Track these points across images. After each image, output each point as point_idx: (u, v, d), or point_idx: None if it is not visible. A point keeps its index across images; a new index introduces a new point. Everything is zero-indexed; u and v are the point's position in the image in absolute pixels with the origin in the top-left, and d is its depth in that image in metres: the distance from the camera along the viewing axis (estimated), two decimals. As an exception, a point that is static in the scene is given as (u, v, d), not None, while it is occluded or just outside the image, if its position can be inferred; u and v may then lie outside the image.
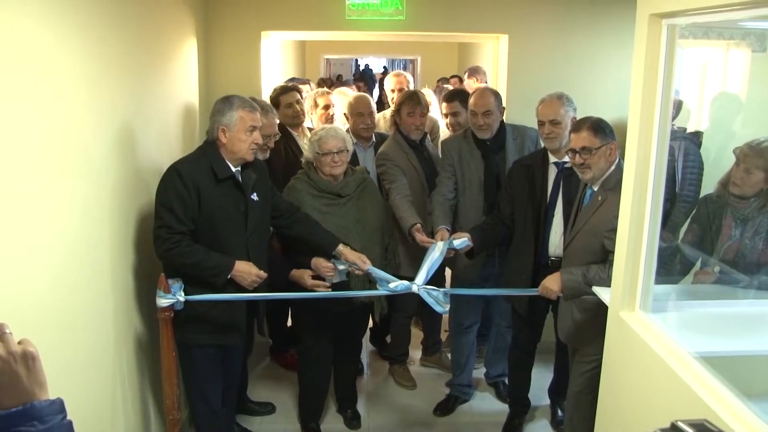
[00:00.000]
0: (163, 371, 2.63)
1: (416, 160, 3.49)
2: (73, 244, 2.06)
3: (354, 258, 2.84)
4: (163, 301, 2.51)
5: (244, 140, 2.57)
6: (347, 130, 3.68)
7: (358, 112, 3.67)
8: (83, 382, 2.14)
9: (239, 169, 2.64)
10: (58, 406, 0.99)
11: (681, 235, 2.84)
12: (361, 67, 15.88)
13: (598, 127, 2.62)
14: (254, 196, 2.69)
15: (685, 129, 3.61)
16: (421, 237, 3.09)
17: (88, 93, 2.16)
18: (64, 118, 1.98)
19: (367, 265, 2.84)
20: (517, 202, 3.06)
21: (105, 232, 2.32)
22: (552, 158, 2.99)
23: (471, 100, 3.34)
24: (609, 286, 2.40)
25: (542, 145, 3.06)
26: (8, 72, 1.65)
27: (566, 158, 2.81)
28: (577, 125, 2.70)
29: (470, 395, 3.68)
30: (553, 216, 2.97)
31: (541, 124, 2.98)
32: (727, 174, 2.60)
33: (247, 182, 2.66)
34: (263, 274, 2.63)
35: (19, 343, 0.97)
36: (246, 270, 2.58)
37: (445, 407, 3.59)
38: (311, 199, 3.02)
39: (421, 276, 2.83)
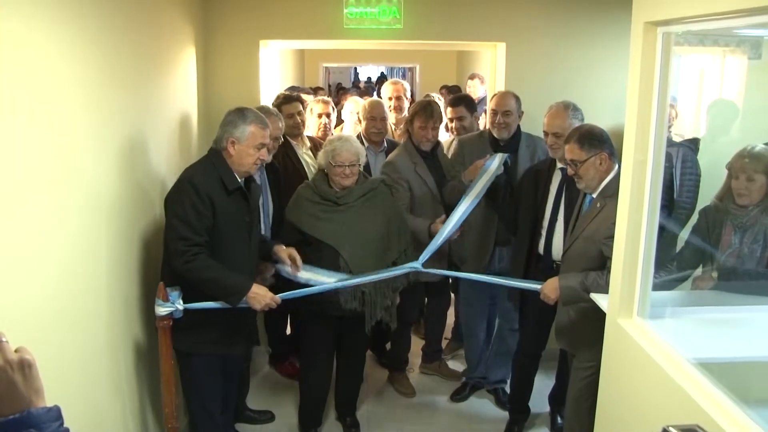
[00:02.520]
0: (163, 380, 2.63)
1: (425, 170, 3.48)
2: (72, 253, 2.06)
3: (284, 256, 2.81)
4: (161, 310, 2.51)
5: (251, 155, 2.57)
6: (359, 135, 3.72)
7: (371, 116, 3.77)
8: (81, 390, 2.14)
9: (243, 179, 2.65)
10: (55, 413, 0.99)
11: (679, 242, 2.85)
12: (361, 76, 15.94)
13: (585, 139, 2.62)
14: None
15: (682, 136, 3.63)
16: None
17: (88, 103, 2.17)
18: (63, 128, 1.98)
19: (299, 271, 2.79)
20: (522, 206, 3.12)
21: (103, 241, 2.32)
22: (559, 164, 3.03)
23: (493, 101, 3.48)
24: (607, 292, 2.40)
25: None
26: (7, 84, 1.66)
27: None
28: (567, 137, 2.71)
29: (485, 384, 3.79)
30: (555, 221, 2.99)
31: (545, 134, 3.03)
32: (723, 188, 2.61)
33: (255, 194, 2.67)
34: (278, 299, 2.62)
35: (16, 351, 0.98)
36: (262, 293, 2.58)
37: (461, 393, 3.74)
38: (310, 205, 3.04)
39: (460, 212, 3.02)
